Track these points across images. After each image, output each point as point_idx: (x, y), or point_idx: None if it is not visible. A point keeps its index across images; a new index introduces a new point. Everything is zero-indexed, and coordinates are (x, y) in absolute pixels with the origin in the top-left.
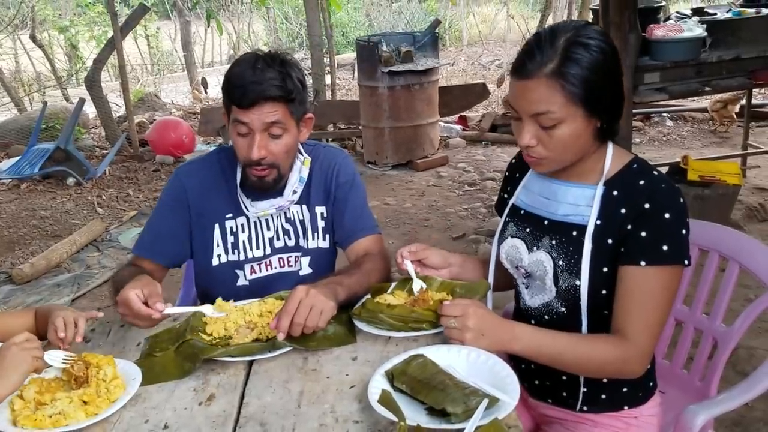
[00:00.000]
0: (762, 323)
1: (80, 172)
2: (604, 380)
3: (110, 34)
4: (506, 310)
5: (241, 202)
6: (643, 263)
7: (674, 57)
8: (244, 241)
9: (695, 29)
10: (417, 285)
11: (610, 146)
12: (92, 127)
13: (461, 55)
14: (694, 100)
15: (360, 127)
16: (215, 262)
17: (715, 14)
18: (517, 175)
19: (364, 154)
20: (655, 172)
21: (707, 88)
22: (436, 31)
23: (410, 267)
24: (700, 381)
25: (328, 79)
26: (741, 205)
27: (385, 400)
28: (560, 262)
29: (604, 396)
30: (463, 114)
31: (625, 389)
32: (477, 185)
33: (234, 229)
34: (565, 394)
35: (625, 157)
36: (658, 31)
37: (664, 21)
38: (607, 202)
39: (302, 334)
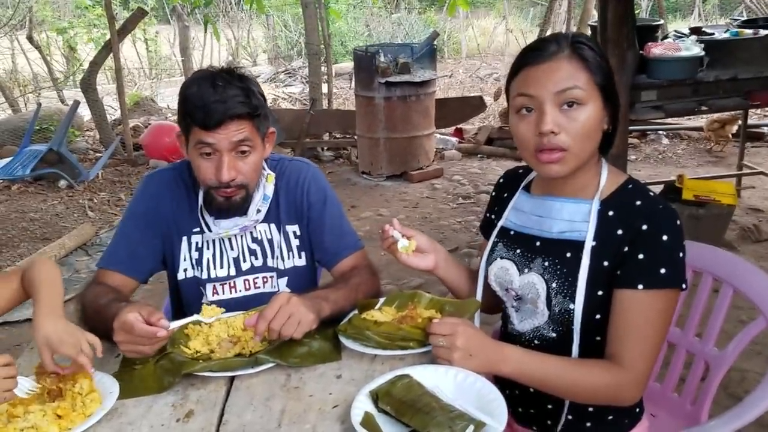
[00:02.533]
0: (754, 345)
1: (72, 174)
2: (590, 408)
3: (108, 36)
4: (496, 328)
5: (203, 221)
6: (640, 287)
7: (671, 75)
8: (208, 259)
9: (693, 48)
10: (402, 243)
11: (605, 163)
12: (86, 130)
13: (459, 67)
14: (690, 119)
15: (355, 137)
16: (181, 276)
17: (713, 34)
18: (505, 195)
19: (359, 164)
20: (651, 193)
21: (704, 108)
22: (434, 43)
23: (397, 232)
24: (691, 405)
25: (325, 88)
26: (735, 225)
27: (368, 423)
28: (553, 284)
29: (588, 424)
30: (459, 126)
31: (610, 417)
32: (471, 198)
33: (199, 245)
34: (549, 422)
35: (619, 178)
36: (656, 50)
37: (662, 39)
38: (603, 223)
39: (283, 346)
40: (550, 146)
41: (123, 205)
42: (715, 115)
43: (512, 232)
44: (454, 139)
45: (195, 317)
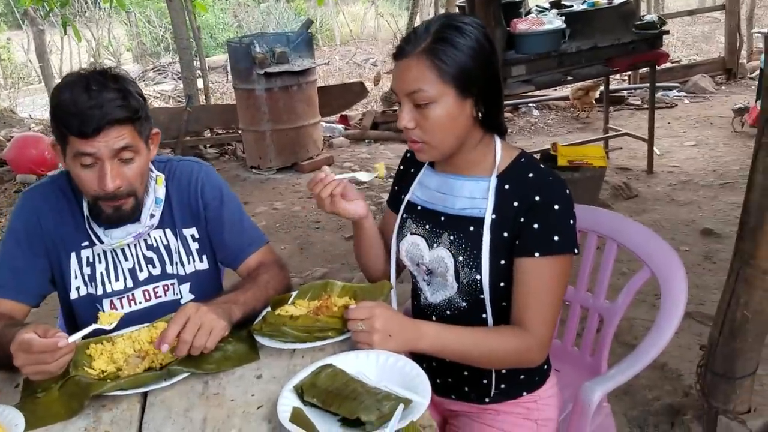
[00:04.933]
0: (638, 294)
1: None
2: (503, 371)
3: None
4: (407, 308)
5: (92, 233)
6: (536, 254)
7: (537, 49)
8: (102, 273)
9: (555, 21)
10: (367, 176)
11: (498, 140)
12: None
13: (335, 54)
14: (556, 90)
15: (239, 132)
16: (74, 295)
17: (572, 6)
18: (412, 170)
19: (247, 158)
20: (541, 165)
21: (569, 78)
22: (309, 30)
23: (338, 174)
24: (590, 356)
25: (200, 83)
26: (607, 185)
27: (297, 417)
28: (460, 258)
29: (503, 386)
30: (343, 113)
31: (521, 377)
32: (365, 183)
33: (90, 260)
34: (467, 389)
35: (513, 152)
36: (521, 25)
37: (526, 15)
38: (500, 196)
39: (191, 355)
40: (410, 139)
41: None
42: (579, 84)
43: (419, 207)
44: (340, 126)
45: (93, 326)
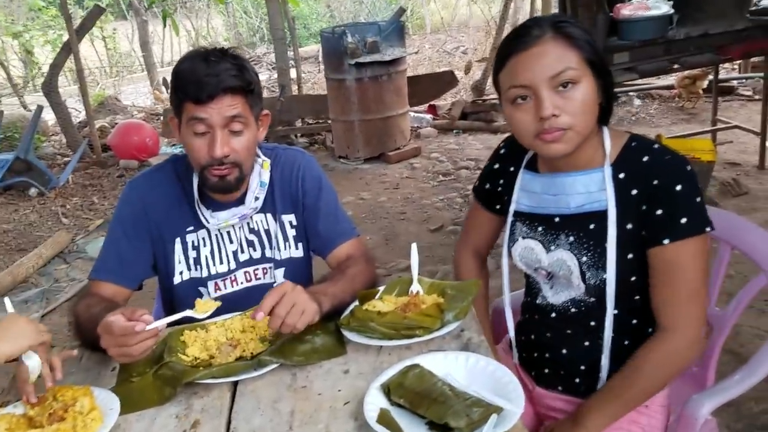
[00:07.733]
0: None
1: (42, 181)
2: (616, 366)
3: (65, 37)
4: (495, 306)
5: (200, 214)
6: (665, 242)
7: (642, 36)
8: (206, 256)
9: (662, 6)
10: (413, 288)
11: (605, 129)
12: (52, 135)
13: (425, 42)
14: (659, 78)
15: (329, 121)
16: (177, 279)
17: None
18: (511, 168)
19: (335, 148)
20: (656, 146)
21: (676, 66)
22: (401, 19)
23: (415, 259)
24: (697, 366)
25: (293, 73)
26: (715, 180)
27: (384, 419)
28: (584, 258)
29: None
30: (432, 103)
31: None
32: (451, 175)
33: (195, 244)
34: (578, 380)
35: (622, 137)
36: (626, 11)
37: None
38: (617, 187)
39: (285, 345)
40: (553, 128)
41: (97, 209)
42: (686, 72)
43: (527, 213)
44: (429, 116)
45: (186, 312)
